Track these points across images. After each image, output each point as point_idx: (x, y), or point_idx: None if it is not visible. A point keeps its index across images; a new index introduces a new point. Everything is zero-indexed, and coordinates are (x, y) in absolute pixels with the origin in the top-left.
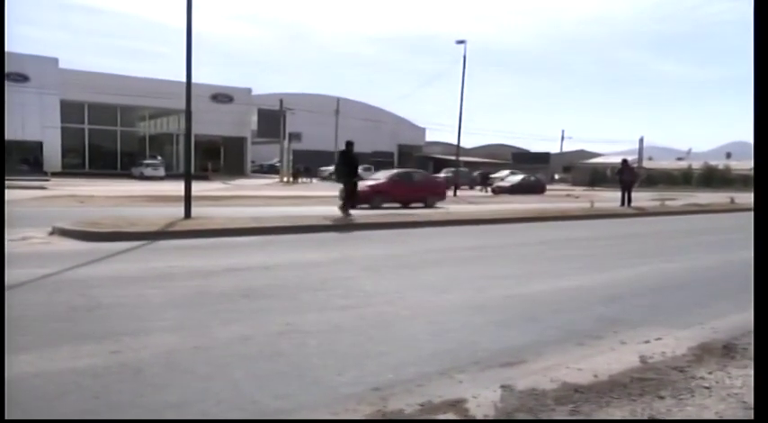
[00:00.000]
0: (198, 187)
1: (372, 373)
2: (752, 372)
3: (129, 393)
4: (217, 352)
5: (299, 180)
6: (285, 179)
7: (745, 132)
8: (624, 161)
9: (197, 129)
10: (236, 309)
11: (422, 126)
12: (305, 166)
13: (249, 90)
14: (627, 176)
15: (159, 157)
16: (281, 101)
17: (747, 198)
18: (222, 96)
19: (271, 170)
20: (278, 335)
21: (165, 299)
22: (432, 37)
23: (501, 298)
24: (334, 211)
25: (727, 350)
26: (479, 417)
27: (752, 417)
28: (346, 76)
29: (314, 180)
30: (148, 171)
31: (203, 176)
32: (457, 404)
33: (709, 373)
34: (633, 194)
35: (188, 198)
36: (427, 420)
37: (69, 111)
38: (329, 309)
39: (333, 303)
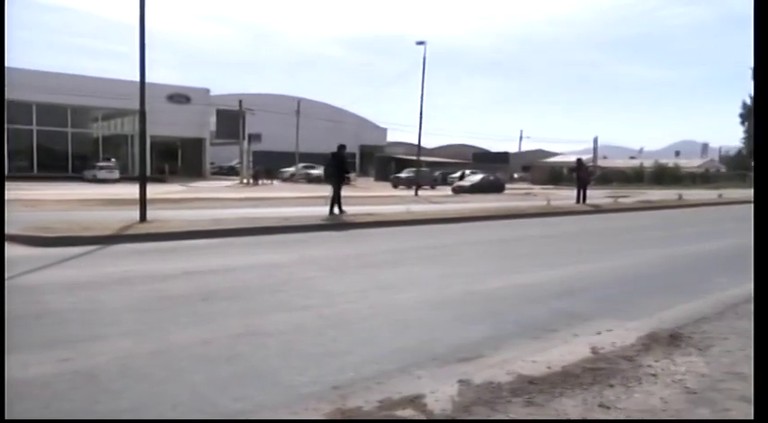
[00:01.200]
0: (154, 190)
1: (333, 372)
2: (695, 358)
3: (82, 401)
4: (174, 356)
5: (260, 182)
6: (245, 181)
7: (692, 132)
8: (579, 160)
9: (153, 130)
10: (195, 312)
11: (384, 126)
12: (265, 167)
13: (207, 90)
14: (582, 175)
15: (113, 160)
16: (241, 101)
17: (695, 195)
18: (179, 97)
19: (230, 172)
20: (237, 337)
21: (121, 304)
22: (394, 38)
23: (460, 295)
24: (294, 212)
25: (672, 339)
26: (437, 411)
27: (752, 416)
28: (308, 77)
29: (275, 182)
30: (102, 174)
31: (160, 179)
32: (415, 400)
33: (656, 361)
34: (588, 192)
35: (143, 200)
36: (386, 420)
37: (16, 111)
38: (290, 309)
39: (294, 304)
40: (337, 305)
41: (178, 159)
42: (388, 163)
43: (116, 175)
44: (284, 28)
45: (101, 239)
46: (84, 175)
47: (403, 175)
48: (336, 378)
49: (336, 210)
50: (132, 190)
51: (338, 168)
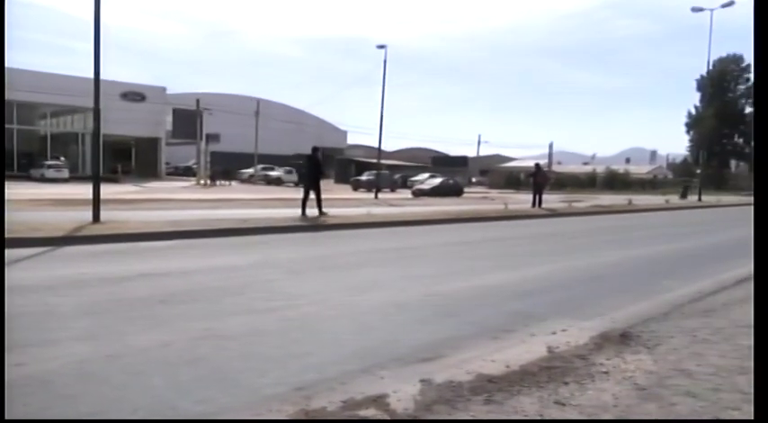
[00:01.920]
0: (107, 190)
1: (295, 374)
2: (644, 356)
3: (36, 407)
4: (132, 359)
5: (218, 183)
6: (202, 182)
7: (641, 139)
8: (537, 165)
9: (106, 128)
10: (153, 315)
11: (344, 129)
12: (223, 168)
13: (163, 89)
14: (539, 180)
15: (63, 158)
16: (198, 100)
17: (644, 200)
18: (133, 94)
19: (187, 172)
20: (198, 340)
21: (75, 307)
22: (355, 40)
23: (421, 296)
24: (254, 214)
25: (623, 338)
26: (400, 410)
27: (752, 416)
28: (268, 78)
29: (233, 183)
30: (50, 173)
31: (113, 179)
32: (378, 399)
33: (608, 359)
34: (544, 196)
35: (97, 201)
36: (350, 420)
37: None
38: (251, 312)
39: (255, 306)
40: (299, 307)
41: (132, 159)
42: (348, 165)
43: (65, 174)
44: (241, 27)
45: (52, 241)
46: (31, 174)
47: (363, 177)
48: (299, 379)
49: (316, 211)
50: (83, 190)
51: (313, 170)
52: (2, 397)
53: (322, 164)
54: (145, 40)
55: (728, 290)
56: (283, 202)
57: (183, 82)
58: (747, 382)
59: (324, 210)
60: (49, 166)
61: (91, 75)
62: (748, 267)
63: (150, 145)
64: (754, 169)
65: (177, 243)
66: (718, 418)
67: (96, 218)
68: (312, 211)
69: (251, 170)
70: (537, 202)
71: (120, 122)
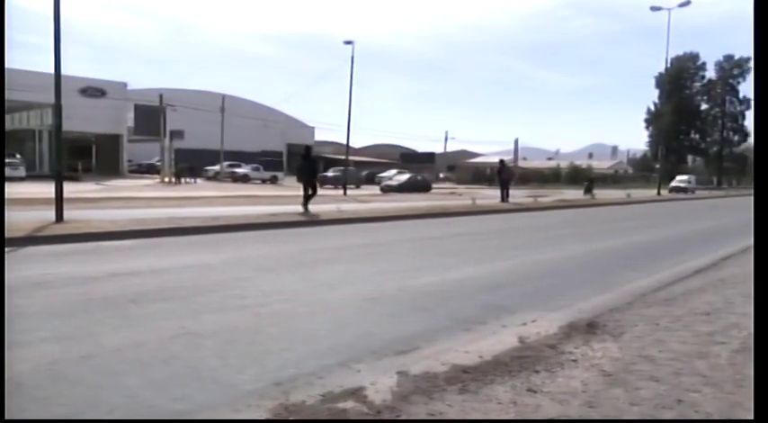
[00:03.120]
0: (68, 188)
1: (273, 370)
2: (609, 344)
3: (8, 410)
4: (106, 360)
5: (183, 180)
6: (167, 179)
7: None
8: (502, 161)
9: (65, 125)
10: (125, 315)
11: (311, 125)
12: (189, 165)
13: (124, 84)
14: (505, 175)
15: (18, 156)
16: (161, 96)
17: (606, 194)
18: (93, 90)
19: (150, 170)
20: (172, 339)
21: (43, 308)
22: (321, 36)
23: (393, 291)
24: (222, 211)
25: (590, 327)
26: (378, 402)
27: (752, 417)
28: (233, 74)
29: (198, 181)
30: (6, 171)
31: (73, 177)
32: (356, 392)
33: (576, 347)
34: (510, 191)
35: (60, 199)
36: (331, 420)
37: None
38: (225, 310)
39: (229, 304)
40: (273, 304)
41: (92, 157)
42: (316, 162)
43: (22, 172)
44: (204, 22)
45: (13, 241)
46: None
47: (329, 174)
48: (277, 375)
49: (305, 207)
50: (42, 188)
51: (310, 168)
52: (2, 397)
53: (317, 162)
54: (104, 35)
55: (686, 280)
56: (251, 200)
57: (146, 78)
58: (706, 366)
59: (304, 208)
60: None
61: (47, 69)
62: (703, 258)
63: (111, 142)
64: (755, 169)
65: (144, 242)
66: (719, 418)
67: (59, 217)
68: (314, 208)
69: (217, 167)
70: (504, 196)
71: (80, 119)
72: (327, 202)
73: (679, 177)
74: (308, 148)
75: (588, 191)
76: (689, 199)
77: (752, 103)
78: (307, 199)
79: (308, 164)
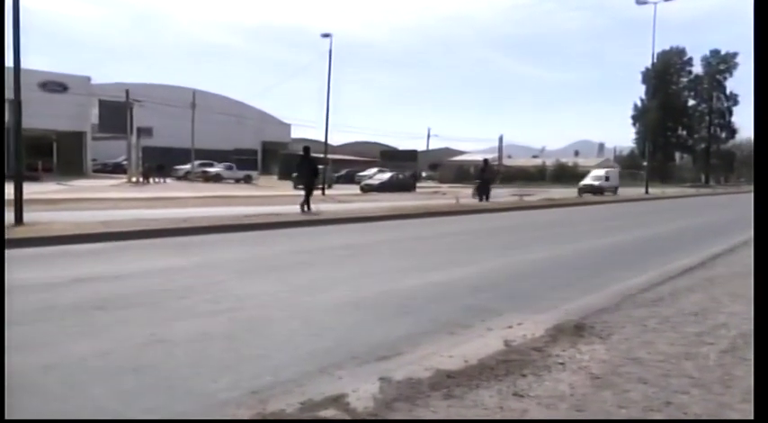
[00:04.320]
0: (27, 189)
1: (250, 377)
2: (597, 346)
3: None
4: (71, 369)
5: (151, 180)
6: (134, 179)
7: (589, 132)
8: (485, 161)
9: (24, 122)
10: (91, 322)
11: (288, 122)
12: (157, 164)
13: (88, 78)
14: (488, 176)
15: None
16: (127, 91)
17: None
18: (54, 85)
19: (117, 169)
20: (141, 347)
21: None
22: (297, 29)
23: (375, 294)
24: (194, 213)
25: (577, 329)
26: (360, 409)
27: (752, 416)
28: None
29: (168, 180)
30: None
31: (33, 177)
32: (338, 399)
33: (563, 350)
34: (495, 191)
35: (19, 200)
36: (310, 420)
37: None
38: (198, 316)
39: (201, 310)
40: (249, 309)
41: (53, 155)
42: (292, 161)
43: None
44: (172, 11)
45: None
46: None
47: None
48: (254, 383)
49: (305, 207)
50: None
51: (310, 168)
52: (2, 397)
53: (316, 163)
54: (65, 25)
55: (674, 280)
56: (225, 200)
57: (111, 71)
58: (694, 367)
59: (307, 207)
60: None
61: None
62: (691, 258)
63: (74, 140)
64: (755, 169)
65: (111, 245)
66: (718, 417)
67: (19, 219)
68: (316, 206)
69: (187, 166)
70: (485, 196)
71: (40, 115)
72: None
73: (595, 172)
74: (306, 149)
75: (481, 193)
76: (676, 197)
77: (738, 99)
78: (308, 198)
79: (309, 163)
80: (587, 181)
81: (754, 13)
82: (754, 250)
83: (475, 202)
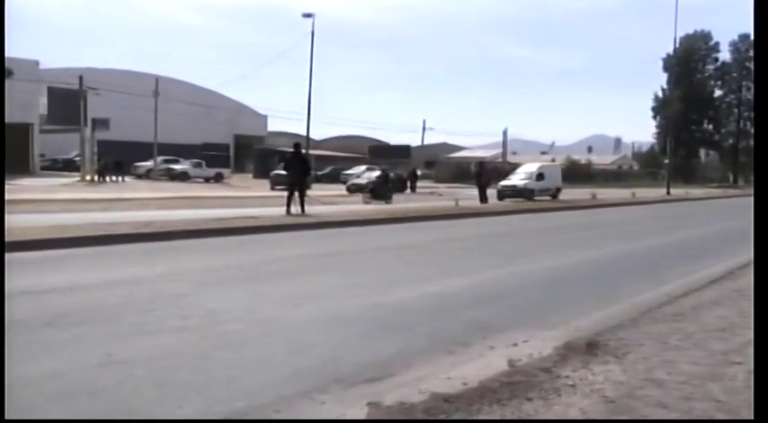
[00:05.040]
0: None
1: (221, 402)
2: (612, 367)
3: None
4: (19, 393)
5: (108, 179)
6: (89, 178)
7: (604, 125)
8: (480, 164)
9: None
10: (40, 340)
11: (264, 113)
12: (115, 160)
13: (35, 63)
14: (483, 180)
15: None
16: (81, 77)
17: (608, 193)
18: None
19: (69, 166)
20: (98, 368)
21: None
22: (275, 8)
23: (363, 308)
24: (157, 216)
25: (589, 348)
26: None
27: (752, 416)
28: (170, 51)
29: (127, 179)
30: None
31: None
32: None
33: (574, 371)
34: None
35: None
36: None
37: None
38: (163, 332)
39: (167, 325)
40: (221, 325)
41: None
42: (269, 157)
43: None
44: None
45: None
46: None
47: (282, 171)
48: (226, 408)
49: (298, 209)
50: None
51: (300, 167)
52: (2, 397)
53: (308, 162)
54: (10, 3)
55: (698, 292)
56: (193, 202)
57: (62, 55)
58: (720, 390)
59: (301, 209)
60: None
61: None
62: (717, 267)
63: (19, 132)
64: (755, 169)
65: (63, 253)
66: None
67: None
68: (296, 208)
69: (150, 163)
70: (482, 198)
71: None
72: (284, 204)
73: (525, 168)
74: (297, 145)
75: (375, 196)
76: (700, 199)
77: None
78: (301, 199)
79: (300, 162)
80: (510, 180)
81: (755, 13)
82: (754, 250)
83: (476, 204)
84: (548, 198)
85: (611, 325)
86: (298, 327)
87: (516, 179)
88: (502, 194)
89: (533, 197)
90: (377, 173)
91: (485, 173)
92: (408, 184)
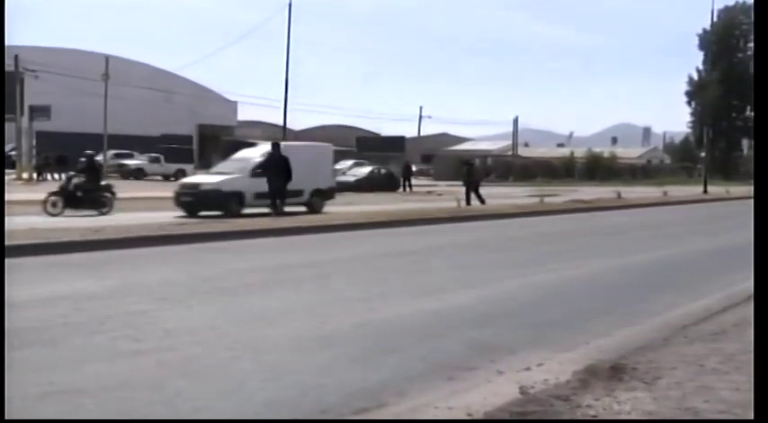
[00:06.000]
0: None
1: None
2: (641, 394)
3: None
4: None
5: (49, 177)
6: (25, 176)
7: (631, 113)
8: (470, 163)
9: None
10: None
11: (233, 99)
12: (57, 155)
13: None
14: (476, 179)
15: None
16: (17, 58)
17: (636, 192)
18: None
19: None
20: (39, 399)
21: None
22: None
23: (350, 327)
24: (107, 220)
25: (614, 372)
26: None
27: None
28: (122, 26)
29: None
30: None
31: None
32: None
33: (596, 399)
34: (506, 190)
35: None
36: None
37: None
38: (115, 357)
39: (120, 349)
40: (183, 347)
41: None
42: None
43: None
44: None
45: None
46: None
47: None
48: None
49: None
50: None
51: (281, 167)
52: (2, 397)
53: (288, 160)
54: None
55: (740, 306)
56: (149, 204)
57: None
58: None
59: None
60: None
61: None
62: None
63: None
64: (755, 169)
65: None
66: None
67: None
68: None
69: (99, 158)
70: (470, 198)
71: None
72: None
73: (245, 153)
74: (275, 145)
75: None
76: (742, 198)
77: None
78: (276, 202)
79: (279, 162)
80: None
81: (755, 13)
82: (754, 250)
83: (481, 206)
84: (302, 209)
85: (639, 345)
86: (274, 349)
87: (214, 175)
88: (180, 202)
89: (240, 210)
90: (367, 169)
91: (476, 172)
92: (402, 182)
